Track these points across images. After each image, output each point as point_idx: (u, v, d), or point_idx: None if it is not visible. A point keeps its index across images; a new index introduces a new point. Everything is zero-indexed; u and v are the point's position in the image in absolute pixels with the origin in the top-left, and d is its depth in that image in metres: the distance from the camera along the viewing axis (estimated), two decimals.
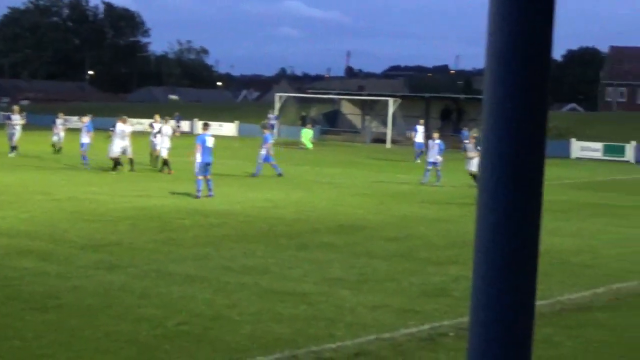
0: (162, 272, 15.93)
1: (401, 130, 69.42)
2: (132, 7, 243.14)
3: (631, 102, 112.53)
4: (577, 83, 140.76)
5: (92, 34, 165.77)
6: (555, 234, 21.61)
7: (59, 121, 48.47)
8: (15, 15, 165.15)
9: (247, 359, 10.88)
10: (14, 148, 43.55)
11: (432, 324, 12.79)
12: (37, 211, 23.51)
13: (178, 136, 43.80)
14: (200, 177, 28.19)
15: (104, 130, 40.80)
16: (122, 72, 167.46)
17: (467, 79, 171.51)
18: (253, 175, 36.45)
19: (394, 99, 71.06)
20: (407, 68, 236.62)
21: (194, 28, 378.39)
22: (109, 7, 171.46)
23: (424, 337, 12.15)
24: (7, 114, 49.71)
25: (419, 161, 47.61)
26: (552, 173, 38.32)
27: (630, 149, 61.03)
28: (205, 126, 31.47)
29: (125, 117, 38.55)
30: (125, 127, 37.30)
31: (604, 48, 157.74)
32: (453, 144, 55.29)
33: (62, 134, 47.68)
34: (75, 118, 66.45)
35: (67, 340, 11.45)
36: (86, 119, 41.02)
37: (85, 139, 38.60)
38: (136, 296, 14.00)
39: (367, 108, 76.58)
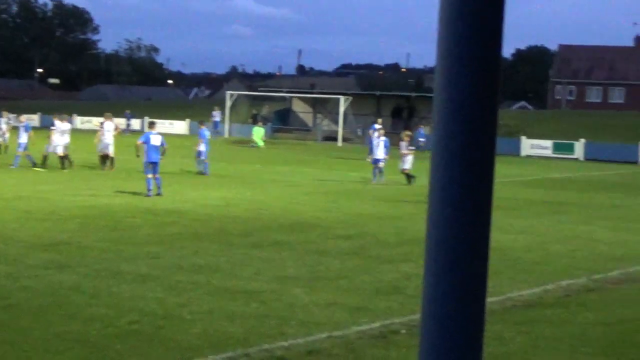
0: (112, 271, 15.82)
1: (352, 128, 69.59)
2: (81, 4, 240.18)
3: (580, 100, 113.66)
4: (526, 81, 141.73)
5: (41, 31, 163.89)
6: (506, 231, 21.78)
7: (3, 120, 46.53)
8: None
9: (199, 357, 10.84)
10: None
11: (384, 321, 12.84)
12: None
13: (121, 133, 43.49)
14: (150, 176, 27.99)
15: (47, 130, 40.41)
16: (72, 70, 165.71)
17: (418, 76, 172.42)
18: (202, 173, 36.28)
19: (345, 97, 71.10)
20: (358, 66, 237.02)
21: (144, 26, 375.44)
22: (58, 5, 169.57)
23: (375, 334, 12.20)
24: None
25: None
26: (503, 171, 38.63)
27: (579, 147, 61.70)
28: (151, 125, 31.29)
29: (65, 115, 38.33)
30: (63, 125, 37.20)
31: (553, 46, 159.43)
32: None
33: (7, 134, 45.81)
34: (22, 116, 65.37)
35: (16, 340, 11.33)
36: (24, 118, 40.56)
37: (23, 138, 37.57)
38: (87, 296, 13.88)
39: (318, 106, 76.61)
